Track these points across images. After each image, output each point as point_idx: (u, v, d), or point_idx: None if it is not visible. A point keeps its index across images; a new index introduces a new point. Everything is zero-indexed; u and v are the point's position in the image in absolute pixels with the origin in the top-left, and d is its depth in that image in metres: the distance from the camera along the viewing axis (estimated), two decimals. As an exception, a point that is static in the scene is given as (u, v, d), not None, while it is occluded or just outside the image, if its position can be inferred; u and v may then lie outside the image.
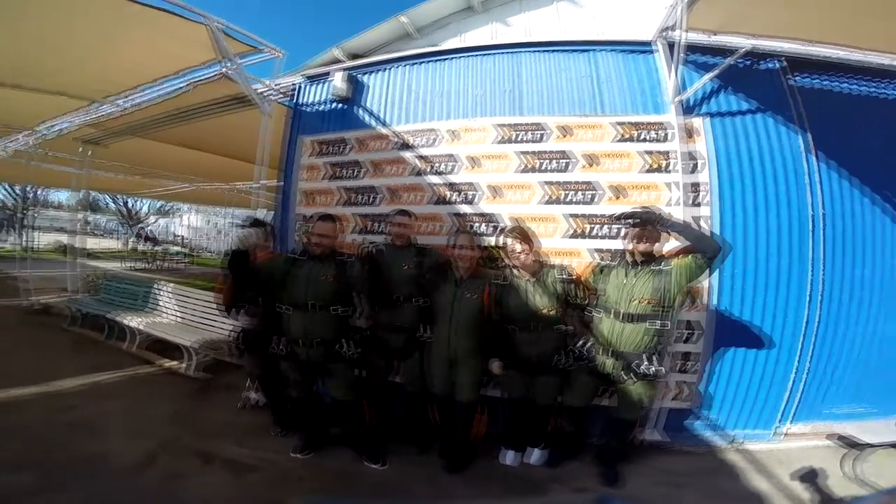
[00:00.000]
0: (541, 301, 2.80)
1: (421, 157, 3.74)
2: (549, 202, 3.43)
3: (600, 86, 3.57)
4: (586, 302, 2.88)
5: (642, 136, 3.39)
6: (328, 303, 2.87)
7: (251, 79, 4.07)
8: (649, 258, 2.66)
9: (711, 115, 3.41)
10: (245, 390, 3.95)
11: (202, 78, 4.41)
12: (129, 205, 24.48)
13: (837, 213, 3.32)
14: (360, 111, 4.06)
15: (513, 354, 2.92)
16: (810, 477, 2.88)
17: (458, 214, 3.58)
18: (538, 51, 3.75)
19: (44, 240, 20.26)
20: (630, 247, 2.68)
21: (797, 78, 3.49)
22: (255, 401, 3.85)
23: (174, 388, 4.33)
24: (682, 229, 2.63)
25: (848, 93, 3.51)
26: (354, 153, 3.95)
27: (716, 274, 3.14)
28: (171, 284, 6.14)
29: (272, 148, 4.14)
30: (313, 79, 4.39)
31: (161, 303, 5.88)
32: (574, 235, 3.36)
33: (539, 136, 3.51)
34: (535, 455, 3.08)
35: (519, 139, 3.55)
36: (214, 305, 5.13)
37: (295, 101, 4.41)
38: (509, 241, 2.82)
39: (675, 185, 3.27)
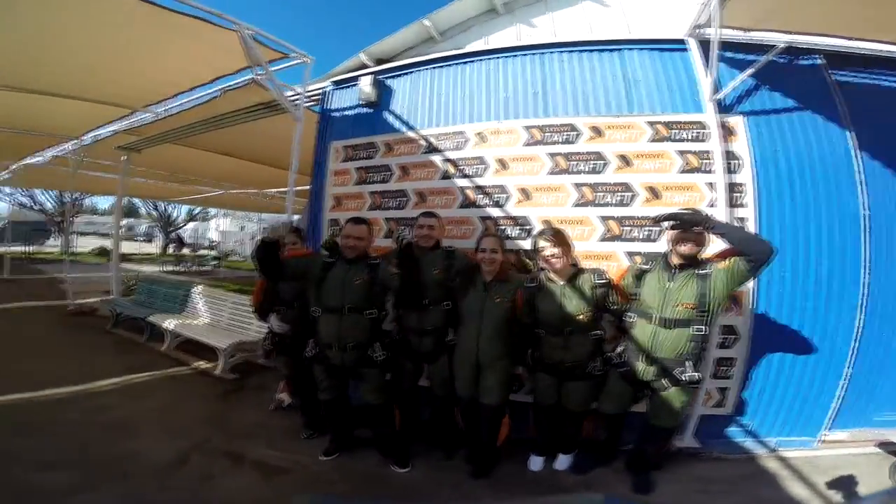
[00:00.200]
0: (575, 305, 2.68)
1: (449, 161, 3.67)
2: (582, 204, 3.31)
3: (632, 85, 3.44)
4: (622, 307, 2.75)
5: (679, 136, 3.24)
6: (361, 306, 2.82)
7: (282, 85, 4.07)
8: (691, 262, 2.52)
9: (749, 113, 3.25)
10: (276, 392, 3.95)
11: (234, 84, 4.45)
12: (165, 210, 25.15)
13: (882, 215, 3.12)
14: (388, 115, 4.03)
15: (541, 359, 2.83)
16: (852, 485, 2.73)
17: (487, 218, 3.50)
18: (566, 51, 3.64)
19: (85, 243, 21.06)
20: (680, 250, 2.51)
21: (838, 74, 3.30)
22: (286, 402, 3.84)
23: (206, 388, 4.37)
24: (728, 231, 2.46)
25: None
26: (383, 157, 3.91)
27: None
28: (204, 287, 6.23)
29: (302, 153, 4.12)
30: (341, 84, 4.39)
31: (195, 305, 5.99)
32: (608, 238, 3.24)
33: (570, 137, 3.40)
34: (563, 461, 2.99)
35: (549, 140, 3.44)
36: (246, 308, 5.23)
37: (323, 106, 4.41)
38: (544, 244, 2.69)
39: (715, 186, 3.12)
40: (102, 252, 19.14)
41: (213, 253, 20.83)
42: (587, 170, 3.33)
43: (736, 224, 3.02)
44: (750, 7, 3.02)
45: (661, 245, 3.04)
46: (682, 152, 3.22)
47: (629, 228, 3.22)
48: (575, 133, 3.40)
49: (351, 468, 3.00)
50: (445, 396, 3.10)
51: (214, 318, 5.59)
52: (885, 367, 3.15)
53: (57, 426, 3.31)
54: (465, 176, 3.60)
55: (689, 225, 2.42)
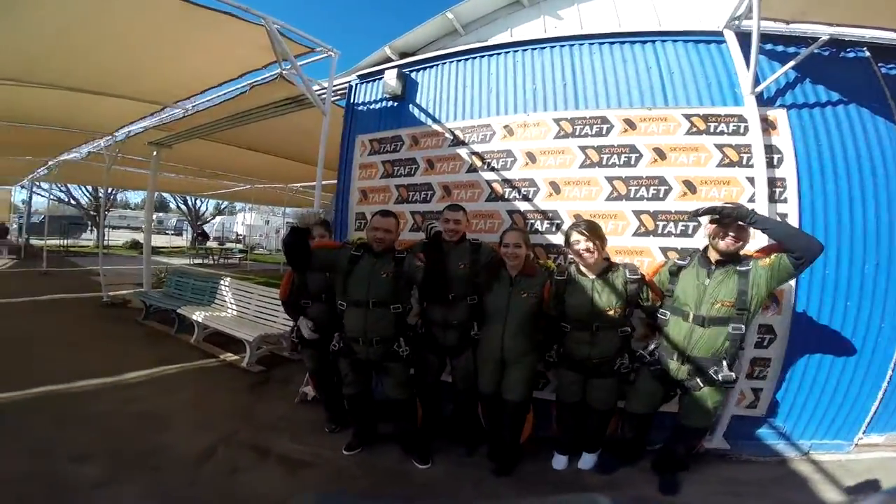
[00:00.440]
0: (605, 301, 2.57)
1: (475, 154, 3.57)
2: (615, 198, 3.17)
3: (666, 77, 3.28)
4: (655, 305, 2.62)
5: (717, 129, 3.08)
6: (387, 300, 2.76)
7: (308, 80, 4.01)
8: (730, 258, 2.37)
9: (791, 106, 3.07)
10: (301, 385, 3.92)
11: (260, 80, 4.43)
12: (194, 204, 25.62)
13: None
14: (413, 108, 3.95)
15: (566, 355, 2.72)
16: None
17: (515, 211, 3.39)
18: (597, 42, 3.49)
19: (117, 237, 21.59)
20: (719, 245, 2.37)
21: (885, 67, 3.10)
22: (311, 396, 3.80)
23: (233, 381, 4.37)
24: (773, 226, 2.30)
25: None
26: (409, 150, 3.84)
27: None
28: (231, 279, 6.27)
29: (328, 147, 4.07)
30: (366, 78, 4.32)
31: (223, 297, 6.03)
32: (642, 233, 3.11)
33: (602, 129, 3.26)
34: (586, 460, 2.88)
35: (580, 133, 3.31)
36: (272, 301, 5.23)
37: (348, 100, 4.35)
38: (578, 237, 2.56)
39: (755, 181, 2.95)
40: (134, 245, 19.62)
41: (240, 246, 21.13)
42: (620, 163, 3.19)
43: (784, 220, 2.86)
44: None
45: (698, 241, 2.94)
46: (720, 146, 3.06)
47: (664, 223, 3.07)
48: (607, 126, 3.26)
49: (373, 463, 2.95)
50: (468, 391, 3.04)
51: (242, 311, 5.61)
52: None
53: (90, 418, 3.33)
54: (492, 169, 3.50)
55: (731, 219, 2.28)
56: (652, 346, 2.63)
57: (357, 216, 3.98)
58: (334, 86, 4.29)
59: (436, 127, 3.77)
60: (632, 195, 3.14)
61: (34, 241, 15.55)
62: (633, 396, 2.74)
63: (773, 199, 2.94)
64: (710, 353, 2.39)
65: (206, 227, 28.35)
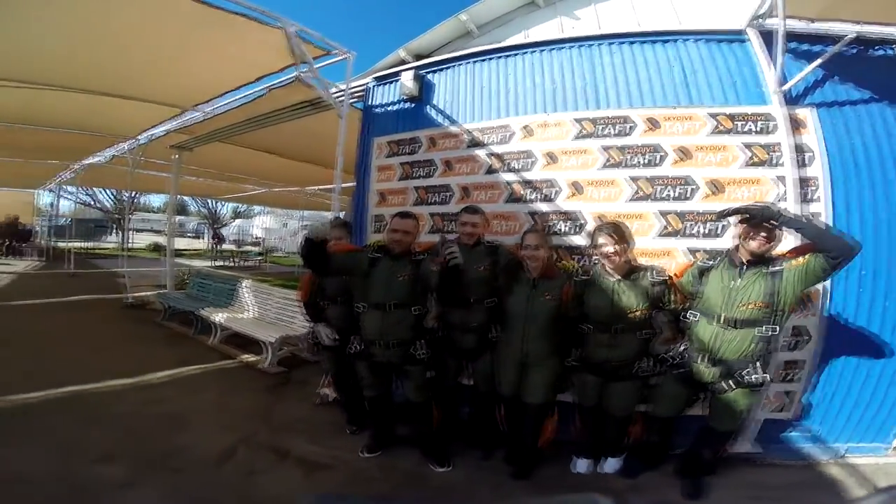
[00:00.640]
0: (628, 302, 2.48)
1: (494, 154, 3.50)
2: (639, 199, 3.09)
3: (689, 76, 3.19)
4: (680, 307, 2.53)
5: (744, 128, 2.98)
6: (405, 302, 2.71)
7: (325, 83, 3.99)
8: (759, 258, 2.27)
9: (819, 105, 2.97)
10: (320, 387, 3.88)
11: (277, 83, 4.42)
12: (213, 207, 25.94)
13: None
14: (430, 110, 3.90)
15: (586, 358, 2.65)
16: None
17: (535, 213, 3.32)
18: (617, 42, 3.40)
19: (139, 240, 21.94)
20: (749, 246, 2.28)
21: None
22: (330, 397, 3.76)
23: (253, 382, 4.35)
24: (805, 226, 2.20)
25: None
26: (426, 152, 3.79)
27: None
28: (251, 281, 6.28)
29: (345, 150, 4.05)
30: (382, 80, 4.28)
31: (242, 299, 6.04)
32: (667, 234, 3.02)
33: (624, 129, 3.18)
34: (610, 464, 2.80)
35: (602, 133, 3.23)
36: (291, 302, 5.21)
37: (365, 102, 4.33)
38: (603, 239, 2.48)
39: (784, 180, 2.85)
40: (156, 248, 19.91)
41: (258, 249, 21.31)
42: (643, 163, 3.10)
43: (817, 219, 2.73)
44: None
45: (725, 241, 2.83)
46: (747, 145, 2.96)
47: (690, 224, 2.98)
48: (630, 125, 3.17)
49: (391, 466, 2.90)
50: (487, 394, 2.98)
51: (261, 312, 5.61)
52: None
53: (114, 418, 3.35)
54: (512, 170, 3.43)
55: (761, 219, 2.18)
56: (680, 349, 2.54)
57: (375, 218, 3.94)
58: (351, 88, 4.26)
59: (453, 128, 3.72)
60: (656, 195, 3.05)
61: (58, 243, 15.82)
62: (657, 399, 2.67)
63: (804, 198, 2.83)
64: (740, 355, 2.31)
65: (225, 231, 28.72)
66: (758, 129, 2.96)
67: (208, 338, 5.50)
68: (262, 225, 27.43)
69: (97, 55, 4.01)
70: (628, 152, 3.13)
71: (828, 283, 2.74)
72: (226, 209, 27.26)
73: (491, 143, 3.54)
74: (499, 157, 3.48)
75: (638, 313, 2.48)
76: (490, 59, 3.77)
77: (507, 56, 3.71)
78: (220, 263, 16.15)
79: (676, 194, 3.02)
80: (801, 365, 2.88)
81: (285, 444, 3.11)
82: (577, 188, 3.23)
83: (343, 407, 3.45)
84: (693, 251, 2.93)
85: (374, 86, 4.30)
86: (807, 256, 2.17)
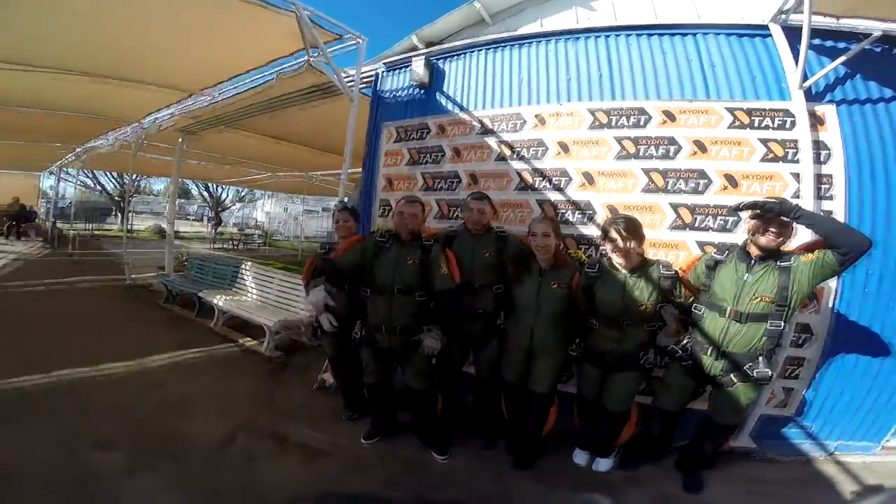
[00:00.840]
0: (637, 296, 2.43)
1: (504, 143, 3.44)
2: (652, 191, 3.03)
3: (707, 70, 3.11)
4: (688, 301, 2.49)
5: (762, 124, 2.92)
6: (412, 287, 2.65)
7: (333, 68, 3.90)
8: (771, 253, 2.23)
9: (840, 102, 2.89)
10: (320, 372, 3.83)
11: (287, 68, 4.32)
12: (215, 191, 25.83)
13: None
14: (441, 97, 3.82)
15: (589, 349, 2.61)
16: None
17: (545, 201, 3.27)
18: (635, 34, 3.32)
19: (140, 223, 21.83)
20: (760, 241, 2.23)
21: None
22: (329, 383, 3.71)
23: (253, 367, 4.30)
24: (818, 222, 2.18)
25: None
26: (435, 138, 3.72)
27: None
28: (252, 264, 6.20)
29: (351, 135, 3.97)
30: (392, 67, 4.20)
31: (243, 282, 5.96)
32: (679, 227, 2.97)
33: (639, 120, 3.11)
34: (602, 464, 2.75)
35: (616, 124, 3.16)
36: (292, 286, 5.15)
37: (375, 88, 4.24)
38: (616, 234, 2.40)
39: (801, 176, 2.79)
40: (158, 230, 19.79)
41: (259, 233, 21.27)
42: (658, 155, 3.03)
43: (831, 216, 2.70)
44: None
45: (738, 236, 2.78)
46: (764, 140, 2.89)
47: (702, 217, 2.93)
48: (645, 117, 3.10)
49: (391, 453, 2.87)
50: (491, 382, 2.94)
51: (262, 296, 5.53)
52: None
53: (114, 403, 3.29)
54: (522, 158, 3.37)
55: (775, 214, 2.13)
56: (685, 341, 2.51)
57: (382, 203, 3.89)
58: (363, 73, 4.17)
59: (463, 115, 3.65)
60: (669, 188, 3.00)
61: (60, 225, 15.70)
62: (662, 391, 2.65)
63: (819, 195, 2.78)
64: (747, 350, 2.28)
65: (226, 214, 28.60)
66: (775, 124, 2.90)
67: (209, 321, 5.43)
68: (265, 209, 27.25)
69: (102, 40, 3.93)
70: (642, 144, 3.07)
71: (834, 281, 2.71)
72: (228, 193, 27.17)
73: (501, 132, 3.47)
74: (509, 145, 3.42)
75: (646, 308, 2.43)
76: (504, 47, 3.68)
77: (522, 45, 3.62)
78: (221, 246, 16.04)
79: (690, 188, 2.96)
80: (802, 362, 2.85)
81: (285, 429, 3.07)
82: (588, 178, 3.17)
83: (342, 392, 3.39)
84: (704, 245, 2.89)
85: (383, 72, 4.21)
86: (817, 252, 2.14)
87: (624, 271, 2.46)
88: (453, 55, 3.89)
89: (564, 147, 3.25)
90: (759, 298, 2.21)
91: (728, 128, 2.95)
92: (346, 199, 3.64)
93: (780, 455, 2.89)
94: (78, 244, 12.01)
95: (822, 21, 2.90)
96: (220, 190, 25.79)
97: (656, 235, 2.95)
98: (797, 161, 2.81)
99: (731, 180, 2.89)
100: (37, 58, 4.27)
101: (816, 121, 2.86)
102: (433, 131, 3.73)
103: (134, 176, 11.36)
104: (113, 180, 22.42)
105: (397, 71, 4.15)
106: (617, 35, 3.35)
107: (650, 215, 2.99)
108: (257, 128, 6.54)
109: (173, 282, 6.55)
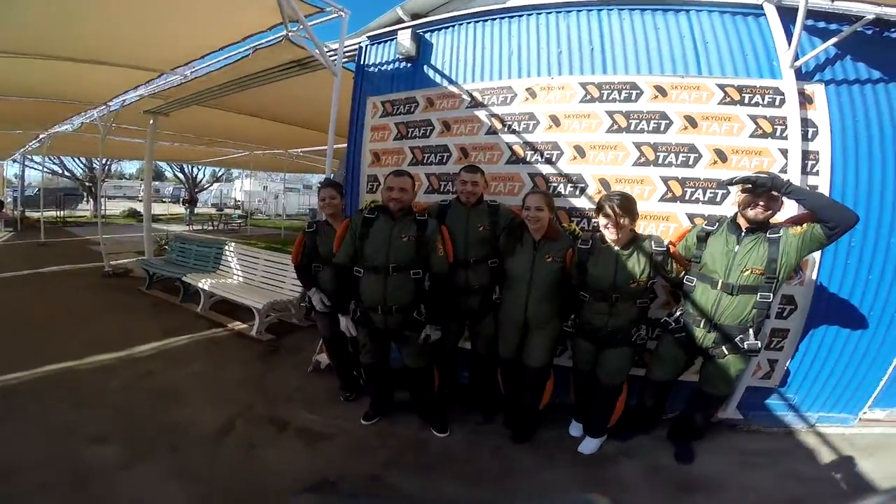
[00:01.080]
0: (629, 272, 2.42)
1: (494, 116, 3.34)
2: (642, 164, 3.00)
3: (700, 47, 3.06)
4: (679, 275, 2.50)
5: (752, 101, 2.90)
6: (408, 265, 2.55)
7: (316, 42, 3.67)
8: (759, 226, 2.25)
9: (829, 82, 2.90)
10: (314, 353, 3.75)
11: (266, 41, 4.05)
12: (191, 172, 24.91)
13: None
14: (429, 70, 3.65)
15: (582, 325, 2.59)
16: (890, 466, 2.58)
17: (537, 174, 3.21)
18: (627, 8, 3.21)
19: (114, 207, 20.90)
20: (748, 214, 2.23)
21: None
22: (324, 364, 3.64)
23: (243, 350, 4.18)
24: (808, 197, 2.18)
25: None
26: (423, 112, 3.58)
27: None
28: (235, 245, 5.98)
29: (335, 110, 3.75)
30: (377, 39, 3.98)
31: (227, 263, 5.76)
32: (668, 199, 2.96)
33: (630, 95, 3.04)
34: (587, 444, 2.75)
35: (607, 98, 3.09)
36: (278, 266, 4.99)
37: (359, 62, 4.03)
38: (610, 211, 2.36)
39: (787, 152, 2.80)
40: (132, 214, 19.01)
41: (238, 212, 20.68)
42: (649, 129, 2.99)
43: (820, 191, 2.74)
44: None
45: (725, 208, 2.81)
46: (753, 117, 2.88)
47: (692, 190, 2.92)
48: (636, 92, 3.04)
49: (391, 433, 2.85)
50: (487, 357, 2.92)
51: (248, 277, 5.35)
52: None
53: (105, 395, 3.16)
54: (513, 131, 3.28)
55: (766, 189, 2.13)
56: (677, 313, 2.53)
57: (369, 178, 3.75)
58: (345, 47, 3.94)
59: (452, 88, 3.51)
60: (660, 161, 2.97)
61: (30, 214, 14.90)
62: (655, 363, 2.66)
63: (804, 171, 2.80)
64: (738, 321, 2.30)
65: (203, 195, 27.65)
66: (765, 102, 2.88)
67: (195, 305, 5.25)
68: (243, 188, 26.42)
69: (63, 19, 3.58)
70: (634, 118, 3.02)
71: (818, 253, 2.74)
72: (204, 173, 26.21)
73: (492, 105, 3.36)
74: (499, 118, 3.32)
75: (638, 284, 2.43)
76: (493, 19, 3.52)
77: (512, 17, 3.47)
78: (201, 227, 15.51)
79: (680, 161, 2.94)
80: (786, 334, 2.90)
81: (283, 414, 3.01)
82: (579, 151, 3.12)
83: (337, 373, 3.32)
84: (693, 217, 2.90)
85: (367, 45, 4.01)
86: (804, 225, 2.15)
87: (616, 247, 2.44)
88: (441, 27, 3.71)
89: (555, 120, 3.18)
90: (749, 271, 2.22)
91: (719, 104, 2.92)
92: (331, 175, 3.49)
93: (764, 426, 2.97)
94: (47, 231, 11.38)
95: (817, 2, 2.86)
96: (195, 171, 24.91)
97: (647, 207, 2.93)
98: (785, 138, 2.81)
99: (721, 155, 2.88)
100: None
101: (805, 99, 2.86)
102: (421, 105, 3.59)
103: (104, 160, 10.74)
104: (81, 165, 21.32)
105: (382, 44, 3.95)
106: (609, 9, 3.23)
107: (640, 187, 2.98)
108: (233, 105, 6.18)
109: (155, 266, 6.26)
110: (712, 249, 2.35)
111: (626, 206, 2.36)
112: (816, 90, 2.87)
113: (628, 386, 2.75)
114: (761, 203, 2.17)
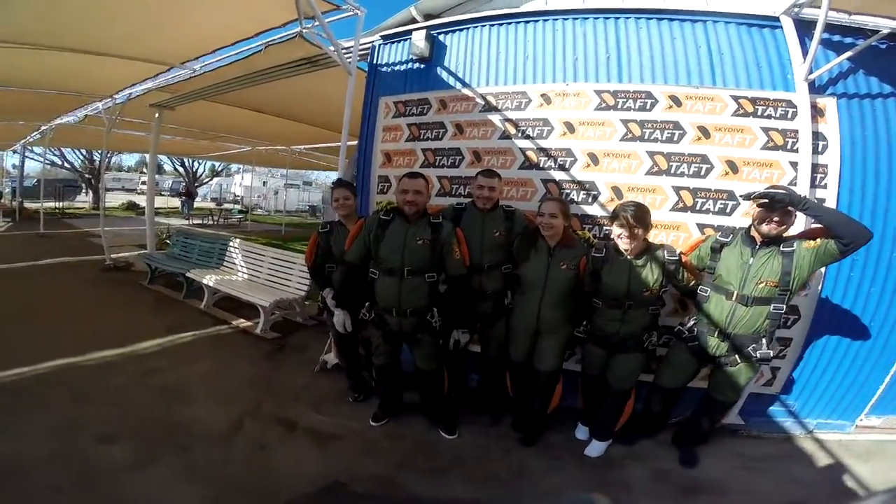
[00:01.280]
0: (642, 281, 2.42)
1: (508, 120, 3.30)
2: (655, 173, 2.99)
3: (715, 58, 3.04)
4: (690, 284, 2.51)
5: (764, 113, 2.90)
6: (423, 268, 2.52)
7: (332, 40, 3.61)
8: (773, 239, 2.25)
9: (841, 95, 2.90)
10: (319, 353, 3.70)
11: (278, 37, 3.97)
12: (191, 166, 24.60)
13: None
14: (442, 71, 3.61)
15: (593, 331, 2.59)
16: (885, 471, 2.61)
17: (550, 181, 3.19)
18: (644, 17, 3.19)
19: (112, 199, 20.55)
20: (762, 229, 2.23)
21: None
22: (331, 364, 3.59)
23: (249, 349, 4.10)
24: (824, 213, 2.19)
25: None
26: (436, 114, 3.54)
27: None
28: (240, 241, 5.87)
29: (349, 109, 3.71)
30: (390, 39, 3.93)
31: (232, 260, 5.64)
32: (680, 209, 2.96)
33: (645, 104, 3.03)
34: (594, 448, 2.74)
35: (622, 106, 3.07)
36: (284, 263, 4.91)
37: (371, 61, 3.98)
38: (624, 220, 2.36)
39: (797, 165, 2.81)
40: (131, 207, 18.73)
41: (239, 207, 20.46)
42: (662, 138, 2.98)
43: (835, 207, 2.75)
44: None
45: (735, 219, 2.81)
46: (765, 129, 2.88)
47: (703, 200, 2.92)
48: (651, 101, 3.02)
49: (401, 434, 2.82)
50: (498, 360, 2.90)
51: (253, 274, 5.24)
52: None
53: (110, 392, 3.08)
54: (527, 137, 3.25)
55: (783, 205, 2.13)
56: (690, 322, 2.52)
57: (380, 179, 3.70)
58: (360, 45, 3.88)
59: (466, 91, 3.47)
60: (672, 171, 2.96)
61: (28, 205, 14.62)
62: (665, 370, 2.67)
63: (813, 183, 2.80)
64: (752, 331, 2.31)
65: (205, 189, 27.31)
66: (778, 114, 2.88)
67: (198, 301, 5.15)
68: (242, 183, 26.13)
69: (75, 10, 3.50)
70: (648, 127, 3.00)
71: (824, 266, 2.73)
72: (204, 167, 25.90)
73: (505, 109, 3.32)
74: (513, 123, 3.29)
75: (651, 292, 2.43)
76: (509, 23, 3.48)
77: (528, 21, 3.43)
78: (198, 222, 15.31)
79: (692, 171, 2.94)
80: (789, 343, 2.90)
81: (292, 414, 2.96)
82: (593, 159, 3.10)
83: (346, 373, 3.28)
84: (703, 227, 2.89)
85: (381, 44, 3.95)
86: (819, 240, 2.15)
87: (629, 256, 2.44)
88: (456, 29, 3.66)
89: (570, 127, 3.15)
90: (764, 283, 2.23)
91: (732, 115, 2.92)
92: (342, 176, 3.43)
93: (764, 432, 2.98)
94: (46, 222, 11.14)
95: (834, 16, 2.84)
96: (195, 164, 24.62)
97: (658, 216, 2.92)
98: (796, 150, 2.81)
99: (732, 166, 2.88)
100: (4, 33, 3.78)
101: (817, 112, 2.85)
102: (434, 107, 3.55)
103: (105, 152, 10.51)
104: (81, 157, 20.96)
105: (395, 43, 3.89)
106: (627, 17, 3.21)
107: (652, 196, 2.97)
108: (239, 100, 6.11)
109: (157, 261, 6.13)
110: (727, 261, 2.35)
111: (641, 216, 2.35)
112: (828, 103, 2.86)
113: (635, 391, 2.74)
114: (776, 218, 2.17)
